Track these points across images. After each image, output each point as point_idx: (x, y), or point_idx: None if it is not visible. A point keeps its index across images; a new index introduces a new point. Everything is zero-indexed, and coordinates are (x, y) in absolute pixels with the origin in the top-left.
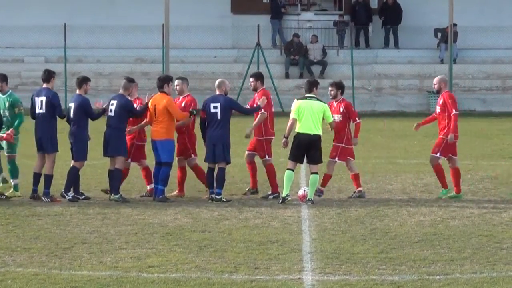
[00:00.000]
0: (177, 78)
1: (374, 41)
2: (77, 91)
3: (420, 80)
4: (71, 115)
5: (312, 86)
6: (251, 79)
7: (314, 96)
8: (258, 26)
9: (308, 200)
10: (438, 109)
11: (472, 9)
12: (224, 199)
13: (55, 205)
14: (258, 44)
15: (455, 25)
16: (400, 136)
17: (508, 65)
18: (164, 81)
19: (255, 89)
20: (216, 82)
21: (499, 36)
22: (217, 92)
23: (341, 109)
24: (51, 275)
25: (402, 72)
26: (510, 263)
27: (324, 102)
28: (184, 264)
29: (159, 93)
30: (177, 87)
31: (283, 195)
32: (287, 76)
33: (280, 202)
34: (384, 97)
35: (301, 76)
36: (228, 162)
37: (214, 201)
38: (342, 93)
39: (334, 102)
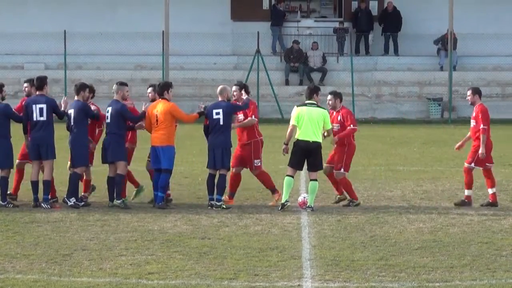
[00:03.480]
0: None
1: (374, 48)
2: (75, 98)
3: (420, 87)
4: (71, 121)
5: (312, 92)
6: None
7: (314, 102)
8: (258, 33)
9: (308, 207)
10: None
11: (472, 16)
12: (224, 206)
13: (55, 211)
14: (258, 51)
15: (449, 31)
16: (400, 143)
17: (507, 72)
18: (164, 88)
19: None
20: (218, 89)
21: (498, 43)
22: (219, 99)
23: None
24: (51, 282)
25: (402, 79)
26: (509, 270)
27: (325, 109)
28: (183, 271)
29: (160, 99)
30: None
31: (282, 201)
32: (287, 83)
33: (279, 208)
34: (384, 104)
35: (301, 83)
36: (228, 169)
37: (214, 208)
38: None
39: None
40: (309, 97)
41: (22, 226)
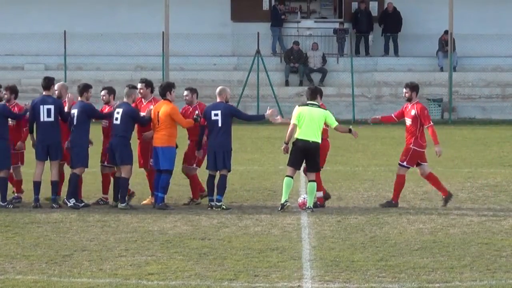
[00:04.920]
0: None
1: (374, 49)
2: (79, 98)
3: (420, 88)
4: (74, 121)
5: (314, 93)
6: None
7: (316, 103)
8: (258, 33)
9: (308, 208)
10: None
11: (472, 17)
12: (224, 207)
13: (55, 212)
14: (258, 52)
15: (449, 32)
16: (400, 143)
17: (507, 73)
18: (166, 89)
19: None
20: (217, 90)
21: (498, 44)
22: (218, 100)
23: (413, 112)
24: (51, 283)
25: (402, 80)
26: (509, 271)
27: (326, 109)
28: (183, 272)
29: (162, 100)
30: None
31: (282, 201)
32: (287, 83)
33: (279, 209)
34: (384, 104)
35: (301, 84)
36: (229, 170)
37: (214, 208)
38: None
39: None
40: (312, 98)
41: (22, 226)
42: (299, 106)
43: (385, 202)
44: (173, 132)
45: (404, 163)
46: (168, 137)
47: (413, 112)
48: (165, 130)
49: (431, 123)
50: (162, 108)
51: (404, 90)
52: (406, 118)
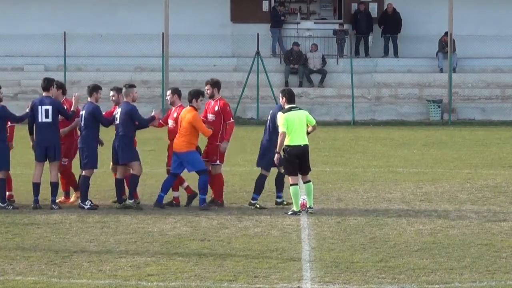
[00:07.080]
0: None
1: (374, 50)
2: (88, 99)
3: (420, 89)
4: (82, 122)
5: (293, 96)
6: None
7: (296, 106)
8: (258, 34)
9: (309, 207)
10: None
11: (472, 18)
12: (258, 206)
13: (54, 213)
14: (257, 53)
15: (448, 33)
16: (400, 145)
17: (507, 74)
18: (194, 96)
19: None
20: None
21: (498, 45)
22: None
23: (216, 108)
24: (51, 284)
25: (401, 81)
26: (509, 272)
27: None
28: (183, 273)
29: (188, 107)
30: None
31: (296, 210)
32: (286, 85)
33: (289, 213)
34: (384, 106)
35: (300, 85)
36: (267, 170)
37: (248, 205)
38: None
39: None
40: (293, 101)
41: (21, 228)
42: (283, 112)
43: (209, 201)
44: (192, 139)
45: (218, 162)
46: (187, 143)
47: (216, 108)
48: (185, 136)
49: (232, 120)
50: (186, 115)
51: (206, 87)
52: (209, 114)
